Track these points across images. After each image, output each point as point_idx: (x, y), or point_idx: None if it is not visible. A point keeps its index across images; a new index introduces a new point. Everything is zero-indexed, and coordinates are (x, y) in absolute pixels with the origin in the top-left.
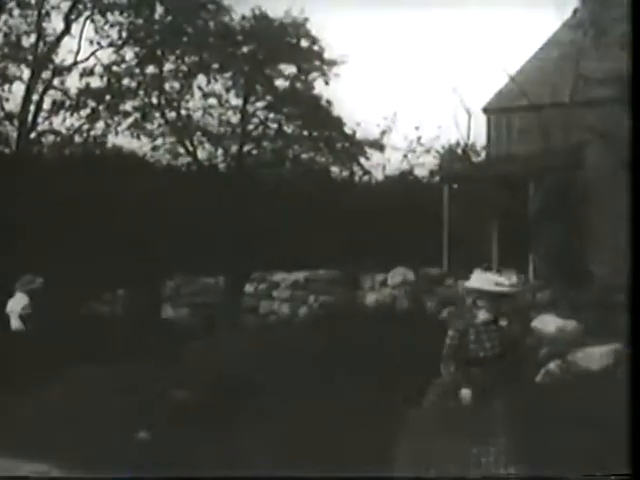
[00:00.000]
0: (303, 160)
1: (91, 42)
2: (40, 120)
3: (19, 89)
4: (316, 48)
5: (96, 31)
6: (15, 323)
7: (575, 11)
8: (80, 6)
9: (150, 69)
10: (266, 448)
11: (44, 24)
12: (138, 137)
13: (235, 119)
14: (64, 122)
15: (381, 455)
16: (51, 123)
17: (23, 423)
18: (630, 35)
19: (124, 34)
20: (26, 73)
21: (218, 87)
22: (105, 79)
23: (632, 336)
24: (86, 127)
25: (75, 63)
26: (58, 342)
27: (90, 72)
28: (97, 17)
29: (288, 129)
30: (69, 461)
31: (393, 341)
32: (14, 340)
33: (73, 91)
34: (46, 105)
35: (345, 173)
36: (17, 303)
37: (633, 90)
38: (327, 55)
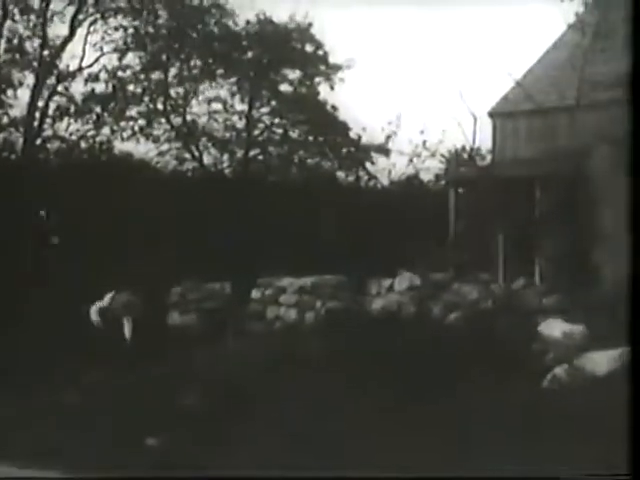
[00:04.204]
0: (309, 165)
1: (95, 46)
2: (45, 126)
3: (24, 95)
4: (321, 53)
5: (93, 32)
6: None
7: (577, 14)
8: (84, 11)
9: (155, 75)
10: (270, 454)
11: (48, 29)
12: (139, 142)
13: (241, 124)
14: (69, 128)
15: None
16: (56, 129)
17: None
18: (630, 35)
19: (129, 39)
20: (30, 79)
21: (223, 92)
22: (110, 85)
23: (632, 336)
24: (91, 133)
25: (80, 69)
26: (62, 348)
27: (95, 78)
28: (101, 22)
29: (294, 134)
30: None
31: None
32: None
33: (78, 97)
34: (51, 111)
35: (351, 178)
36: None
37: (633, 91)
38: (332, 60)
